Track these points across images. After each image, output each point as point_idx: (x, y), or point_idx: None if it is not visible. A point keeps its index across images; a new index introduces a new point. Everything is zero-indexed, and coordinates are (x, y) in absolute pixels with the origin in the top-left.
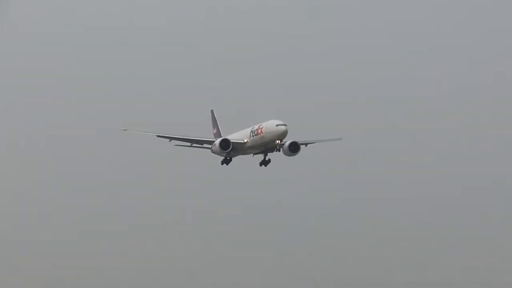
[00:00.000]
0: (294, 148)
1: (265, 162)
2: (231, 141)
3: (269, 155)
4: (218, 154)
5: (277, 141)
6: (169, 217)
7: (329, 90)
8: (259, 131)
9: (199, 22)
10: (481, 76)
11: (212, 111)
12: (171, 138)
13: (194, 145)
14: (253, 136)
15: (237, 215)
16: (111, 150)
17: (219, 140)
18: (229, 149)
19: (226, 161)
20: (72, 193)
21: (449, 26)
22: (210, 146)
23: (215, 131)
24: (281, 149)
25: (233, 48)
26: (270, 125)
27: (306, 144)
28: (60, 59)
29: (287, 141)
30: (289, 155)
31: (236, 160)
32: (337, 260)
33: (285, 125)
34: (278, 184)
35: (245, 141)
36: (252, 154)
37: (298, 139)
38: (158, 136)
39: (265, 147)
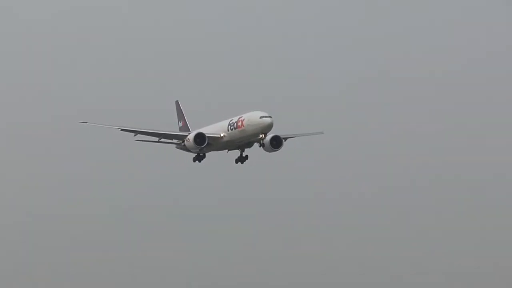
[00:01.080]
0: (276, 143)
1: (241, 159)
2: (207, 135)
3: (246, 151)
4: (190, 150)
5: (260, 135)
6: (142, 219)
7: (309, 80)
8: (239, 123)
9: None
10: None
11: (177, 102)
12: (137, 132)
13: (162, 140)
14: (231, 129)
15: (214, 216)
16: (68, 145)
17: (193, 134)
18: (205, 144)
19: (199, 158)
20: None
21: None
22: (177, 141)
23: (181, 124)
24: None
25: (200, 35)
26: (253, 117)
27: (285, 139)
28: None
29: (268, 136)
30: (270, 151)
31: (209, 156)
32: (323, 259)
33: (270, 117)
34: (257, 183)
35: (222, 135)
36: (227, 150)
37: (277, 133)
38: (122, 130)
39: (244, 142)
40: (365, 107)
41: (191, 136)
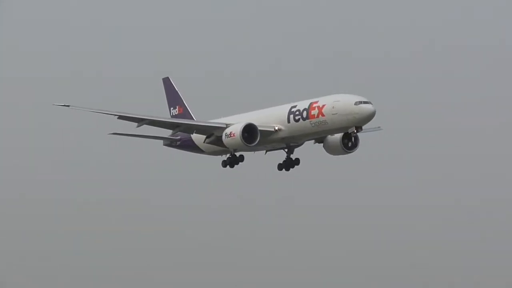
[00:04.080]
0: (349, 141)
1: (289, 164)
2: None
3: (296, 152)
4: (204, 150)
5: (353, 130)
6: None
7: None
8: (314, 112)
9: None
10: None
11: (166, 79)
12: (142, 122)
13: (177, 134)
14: (296, 120)
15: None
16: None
17: (240, 126)
18: (256, 142)
19: (233, 161)
20: None
21: None
22: (169, 137)
23: (176, 111)
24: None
25: None
26: (343, 103)
27: None
28: None
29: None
30: (341, 153)
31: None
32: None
33: (370, 103)
34: (317, 200)
35: (277, 128)
36: (265, 151)
37: None
38: (120, 117)
39: (308, 139)
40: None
41: (236, 129)
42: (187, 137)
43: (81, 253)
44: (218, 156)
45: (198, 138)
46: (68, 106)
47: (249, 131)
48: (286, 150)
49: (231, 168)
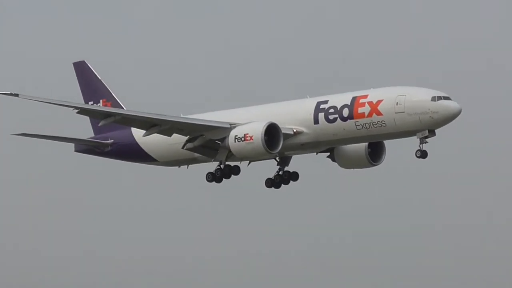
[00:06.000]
0: (373, 150)
1: (284, 179)
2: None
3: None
4: (178, 160)
5: (425, 135)
6: None
7: None
8: (364, 109)
9: None
10: None
11: (81, 63)
12: (110, 119)
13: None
14: (331, 120)
15: None
16: None
17: (262, 126)
18: (279, 148)
19: (225, 173)
20: None
21: None
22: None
23: (101, 105)
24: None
25: None
26: (416, 99)
27: None
28: None
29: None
30: (360, 166)
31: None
32: None
33: (451, 99)
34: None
35: (295, 131)
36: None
37: None
38: (80, 112)
39: (336, 145)
40: None
41: (256, 130)
42: (128, 140)
43: None
44: (170, 167)
45: (145, 142)
46: (16, 95)
47: (271, 133)
48: (278, 160)
49: (218, 183)
